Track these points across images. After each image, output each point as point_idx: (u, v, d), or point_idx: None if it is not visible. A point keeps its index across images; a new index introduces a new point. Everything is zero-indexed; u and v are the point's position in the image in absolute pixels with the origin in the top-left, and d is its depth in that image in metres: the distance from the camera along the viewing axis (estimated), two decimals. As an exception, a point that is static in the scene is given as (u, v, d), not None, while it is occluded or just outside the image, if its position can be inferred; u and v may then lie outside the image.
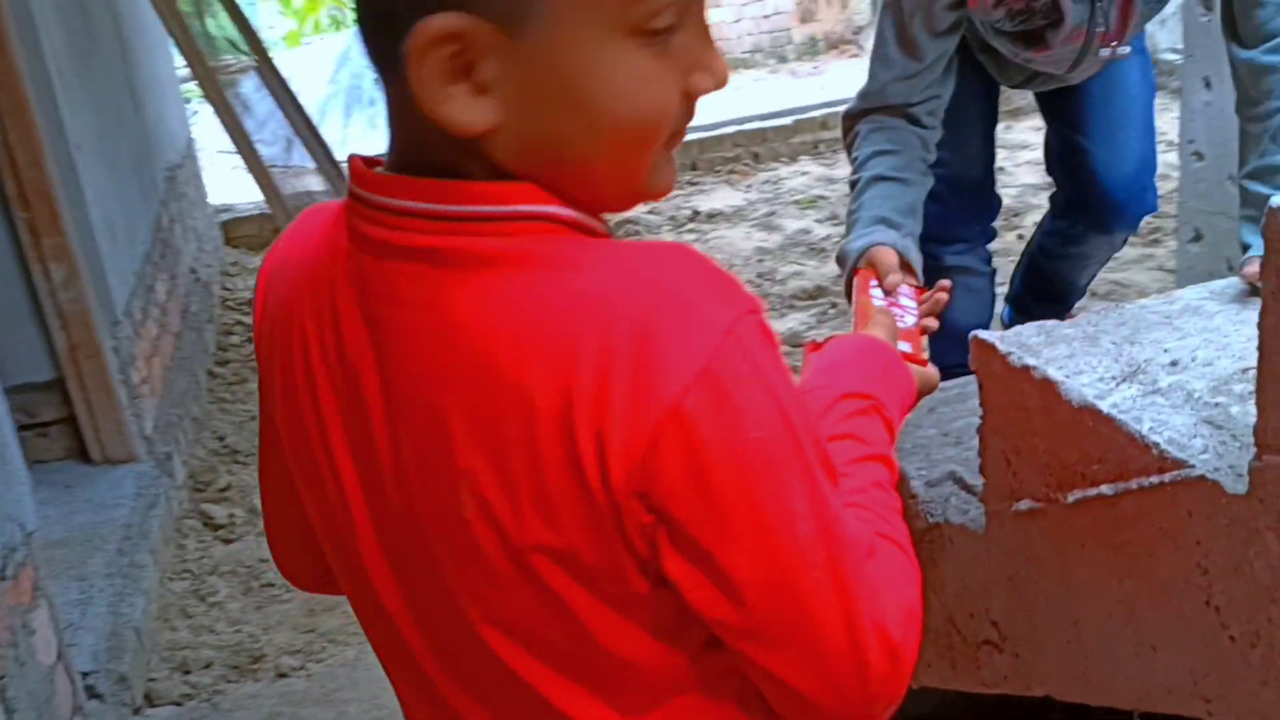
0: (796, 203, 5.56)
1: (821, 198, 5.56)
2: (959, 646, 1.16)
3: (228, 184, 6.01)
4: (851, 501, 0.79)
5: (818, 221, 5.25)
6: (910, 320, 1.38)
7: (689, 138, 4.45)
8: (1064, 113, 2.43)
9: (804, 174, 6.03)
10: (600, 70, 0.67)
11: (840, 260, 1.69)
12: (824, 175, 5.93)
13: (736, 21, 11.15)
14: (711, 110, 7.20)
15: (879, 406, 0.93)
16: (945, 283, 1.39)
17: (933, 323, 1.39)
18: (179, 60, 4.66)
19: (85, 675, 2.27)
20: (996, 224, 2.58)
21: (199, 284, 4.51)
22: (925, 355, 1.31)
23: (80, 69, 3.32)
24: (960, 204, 2.32)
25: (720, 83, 0.72)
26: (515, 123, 0.68)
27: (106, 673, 2.34)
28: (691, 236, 5.35)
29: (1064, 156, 2.49)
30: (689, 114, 0.73)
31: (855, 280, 1.54)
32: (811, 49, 11.20)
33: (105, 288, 3.10)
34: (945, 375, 2.78)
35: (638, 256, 0.70)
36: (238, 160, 4.63)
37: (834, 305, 4.32)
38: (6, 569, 1.88)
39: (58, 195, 2.93)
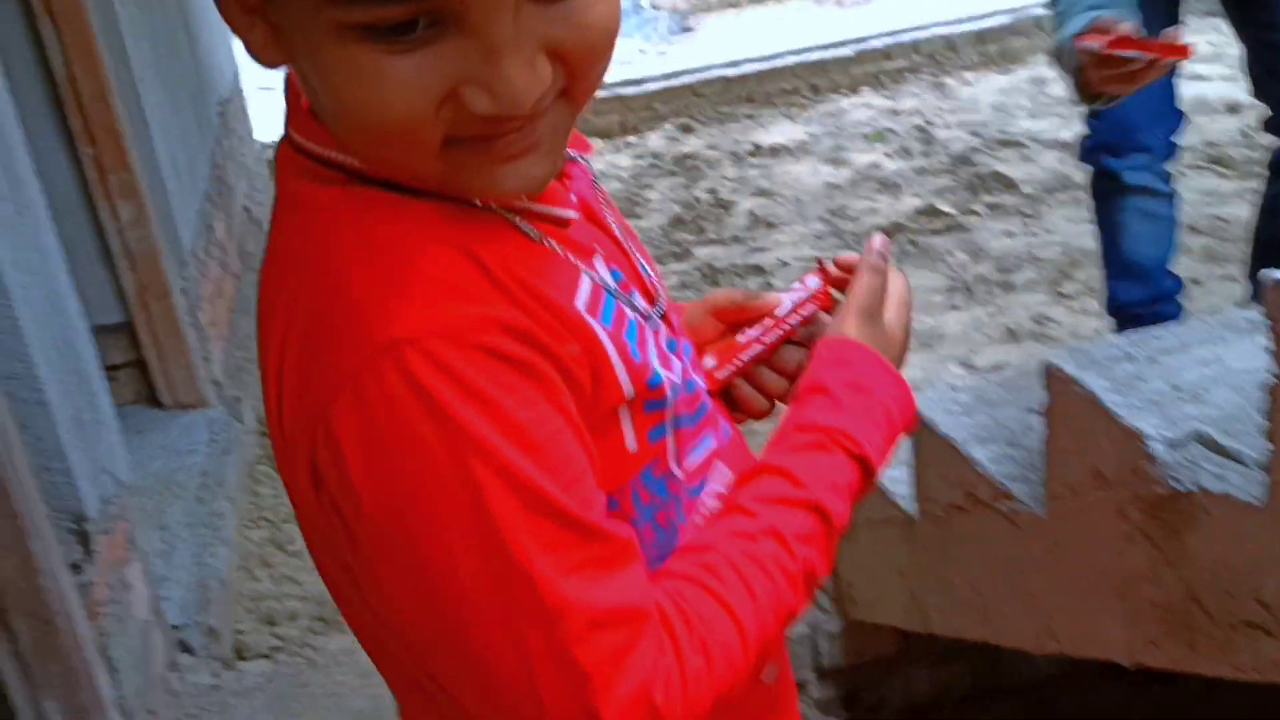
0: (863, 136, 5.37)
1: (889, 130, 5.37)
2: (1203, 626, 1.04)
3: (272, 119, 5.88)
4: (694, 549, 0.75)
5: (887, 155, 5.07)
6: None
7: (746, 69, 4.30)
8: (1259, 9, 2.12)
9: (867, 106, 5.83)
10: (330, 67, 0.61)
11: (1058, 54, 1.53)
12: (888, 108, 5.74)
13: (780, -50, 10.86)
14: (768, 41, 6.99)
15: (840, 438, 0.79)
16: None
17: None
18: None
19: (175, 629, 2.19)
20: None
21: (252, 222, 4.40)
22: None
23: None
24: (1143, 103, 1.96)
25: (502, 105, 0.61)
26: (302, 72, 0.66)
27: (196, 626, 2.26)
28: (755, 171, 5.19)
29: (1271, 65, 2.15)
30: (480, 123, 0.63)
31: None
32: (859, -22, 10.90)
33: (172, 227, 2.99)
34: (1126, 317, 2.58)
35: (359, 234, 0.66)
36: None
37: (913, 244, 4.17)
38: (103, 523, 1.79)
39: (124, 130, 2.81)
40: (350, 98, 0.62)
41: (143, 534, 2.40)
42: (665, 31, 10.30)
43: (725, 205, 4.83)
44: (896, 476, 1.81)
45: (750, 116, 5.98)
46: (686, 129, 5.94)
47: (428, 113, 0.61)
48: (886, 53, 6.22)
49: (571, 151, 0.78)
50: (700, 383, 0.83)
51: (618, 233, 0.81)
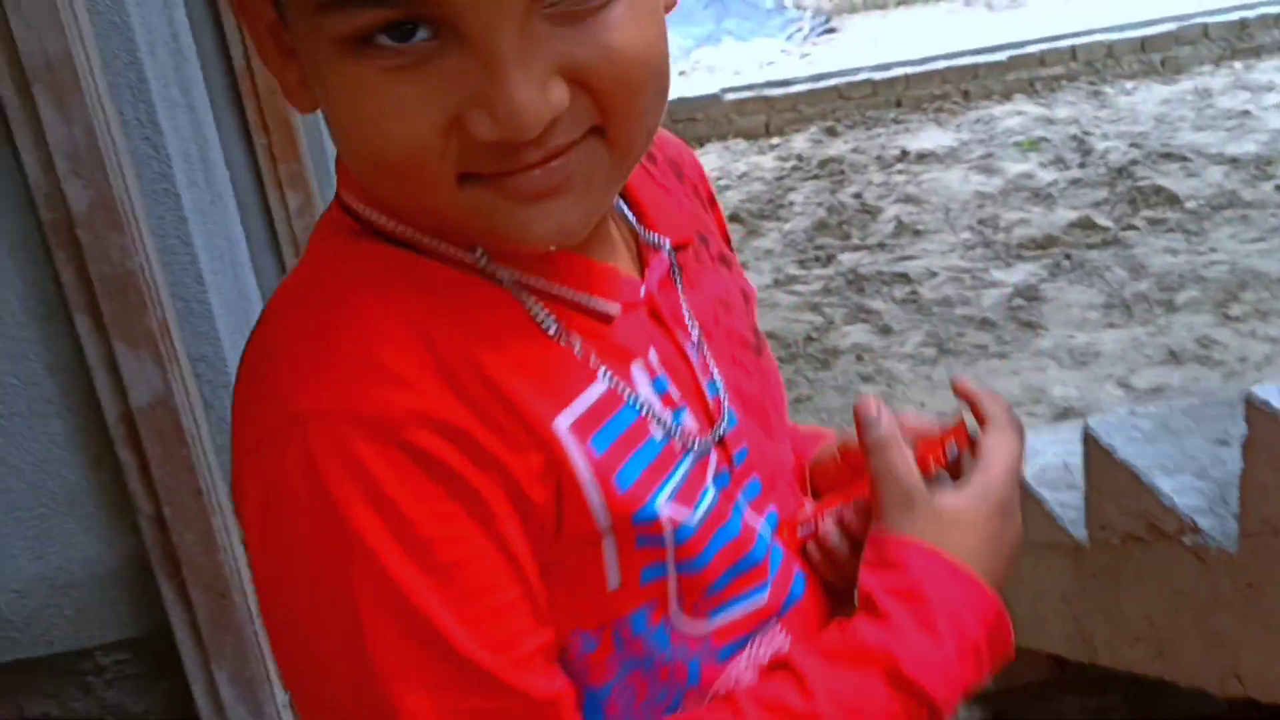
0: (1016, 144, 5.25)
1: (1043, 139, 5.23)
2: None
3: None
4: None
5: (1041, 165, 4.94)
6: None
7: (895, 73, 4.23)
8: None
9: (1020, 114, 5.70)
10: (334, 89, 0.55)
11: None
12: (1042, 115, 5.60)
13: (930, -49, 10.68)
14: (917, 44, 6.87)
15: (887, 660, 0.64)
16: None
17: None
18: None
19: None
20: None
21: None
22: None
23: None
24: None
25: (504, 128, 0.53)
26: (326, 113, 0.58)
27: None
28: (902, 177, 5.11)
29: None
30: (491, 153, 0.55)
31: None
32: (1010, -20, 10.66)
33: (337, 216, 3.09)
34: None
35: (323, 289, 0.60)
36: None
37: (1067, 257, 4.06)
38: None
39: (296, 123, 2.90)
40: (352, 124, 0.56)
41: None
42: (809, 31, 10.23)
43: (871, 211, 4.77)
44: (1065, 500, 1.76)
45: (898, 121, 5.90)
46: (832, 132, 5.89)
47: (433, 140, 0.54)
48: (1041, 59, 6.07)
49: (655, 237, 0.70)
50: (763, 532, 0.69)
51: (690, 338, 0.70)
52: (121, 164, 1.54)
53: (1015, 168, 4.97)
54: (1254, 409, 1.22)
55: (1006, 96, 5.99)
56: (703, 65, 8.96)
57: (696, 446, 0.66)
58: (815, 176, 5.31)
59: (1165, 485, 1.45)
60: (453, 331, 0.58)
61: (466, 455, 0.55)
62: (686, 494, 0.64)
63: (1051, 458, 1.92)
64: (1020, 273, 3.97)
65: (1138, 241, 4.12)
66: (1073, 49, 6.17)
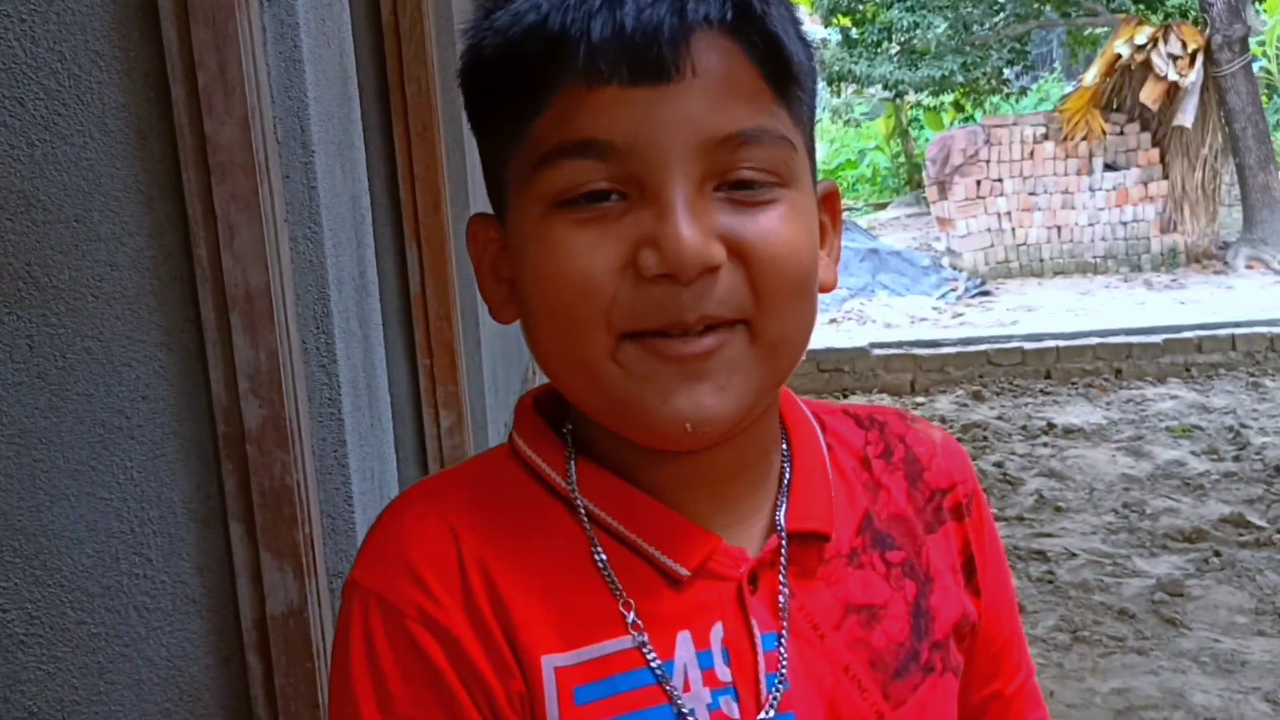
0: (1167, 429, 5.14)
1: (1197, 427, 5.12)
2: None
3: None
4: None
5: (1193, 453, 4.82)
6: None
7: (1046, 344, 4.24)
8: None
9: (1173, 398, 5.61)
10: (530, 242, 0.66)
11: None
12: (1197, 402, 5.49)
13: (1091, 225, 10.80)
14: (1071, 319, 6.88)
15: None
16: None
17: None
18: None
19: None
20: None
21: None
22: None
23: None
24: None
25: (673, 262, 0.61)
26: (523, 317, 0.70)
27: None
28: (1046, 451, 5.04)
29: None
30: (654, 302, 0.63)
31: None
32: (1171, 260, 10.68)
33: (484, 436, 3.21)
34: None
35: (419, 493, 0.73)
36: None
37: (1217, 554, 3.90)
38: None
39: (459, 347, 3.07)
40: (539, 271, 0.65)
41: None
42: (962, 292, 10.34)
43: (1012, 482, 4.70)
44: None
45: (1046, 393, 5.87)
46: (978, 396, 5.88)
47: (604, 278, 0.63)
48: (1199, 344, 6.01)
49: (782, 520, 0.72)
50: None
51: (772, 630, 0.69)
52: (296, 388, 1.66)
53: (1166, 453, 4.86)
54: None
55: (1160, 379, 5.92)
56: (854, 316, 9.12)
57: None
58: (958, 440, 5.28)
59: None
60: (498, 547, 0.66)
61: (453, 662, 0.64)
62: None
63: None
64: (1165, 565, 3.83)
65: (1294, 545, 3.94)
66: (1232, 338, 6.09)
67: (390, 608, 0.65)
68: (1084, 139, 10.85)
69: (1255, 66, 12.10)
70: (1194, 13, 11.34)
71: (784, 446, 0.75)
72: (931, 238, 11.62)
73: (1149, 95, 10.59)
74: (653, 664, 0.65)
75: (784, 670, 0.68)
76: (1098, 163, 10.94)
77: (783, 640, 0.69)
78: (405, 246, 2.95)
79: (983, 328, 7.03)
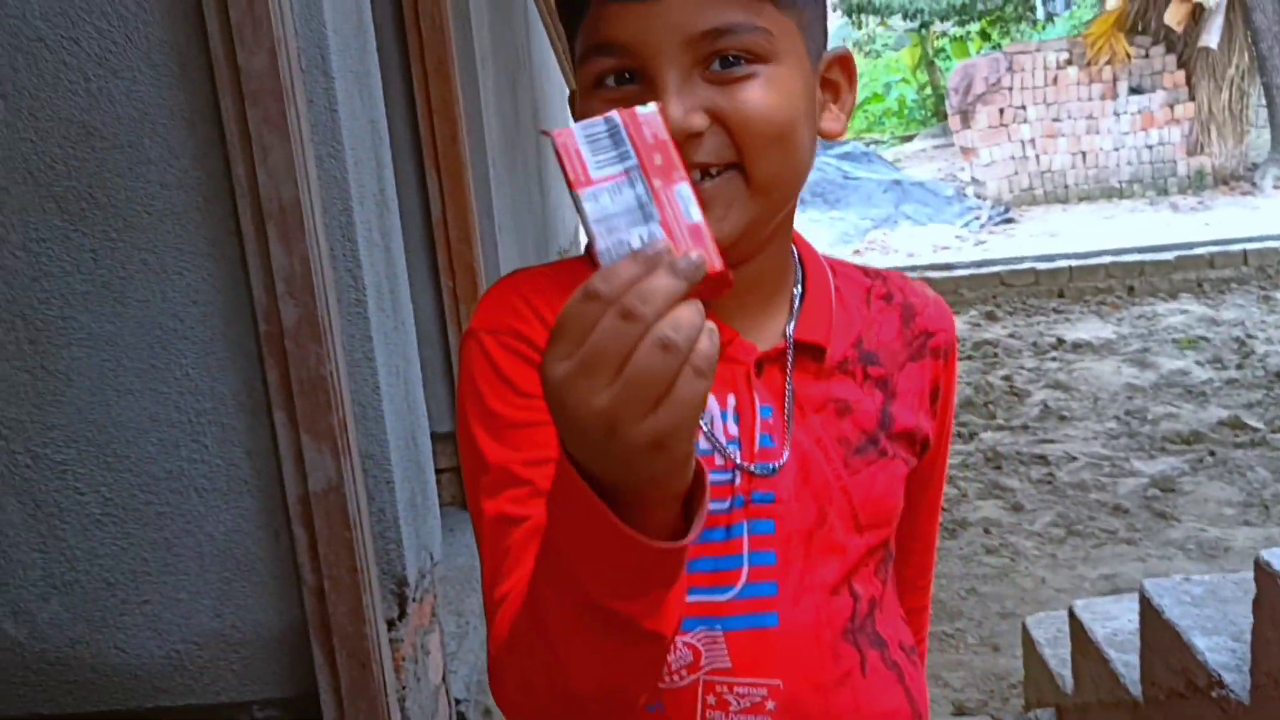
0: (1174, 341, 5.28)
1: (1203, 339, 5.26)
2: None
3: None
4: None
5: (1198, 363, 4.97)
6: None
7: (1059, 264, 4.42)
8: None
9: (1184, 312, 5.73)
10: (579, 113, 0.88)
11: None
12: (1207, 316, 5.62)
13: (1116, 150, 10.80)
14: (1084, 238, 6.99)
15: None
16: None
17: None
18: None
19: (457, 702, 2.49)
20: None
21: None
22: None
23: (508, 159, 3.73)
24: None
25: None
26: None
27: (475, 703, 2.55)
28: (1054, 364, 5.20)
29: None
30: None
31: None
32: (1199, 182, 10.66)
33: (506, 355, 3.43)
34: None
35: (512, 281, 0.94)
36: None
37: (1211, 454, 4.07)
38: (417, 591, 2.12)
39: (479, 268, 3.28)
40: None
41: (443, 612, 2.75)
42: (986, 220, 10.41)
43: (1019, 394, 4.87)
44: (1129, 661, 1.87)
45: (1059, 311, 6.00)
46: (991, 316, 6.02)
47: None
48: (1210, 260, 6.11)
49: (790, 332, 0.93)
50: (747, 556, 0.90)
51: (771, 406, 0.91)
52: (326, 289, 1.88)
53: (1170, 364, 5.00)
54: (1261, 570, 1.36)
55: (1172, 295, 6.04)
56: (877, 246, 9.23)
57: (723, 471, 0.88)
58: (969, 357, 5.45)
59: (1201, 644, 1.57)
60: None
61: (538, 353, 0.83)
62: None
63: (1126, 623, 2.03)
64: (1161, 465, 4.01)
65: (1286, 444, 4.10)
66: (1244, 253, 6.19)
67: (494, 329, 0.88)
68: (1108, 63, 10.83)
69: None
70: (1219, -69, 11.22)
71: (799, 277, 0.96)
72: (956, 168, 11.66)
73: (1173, 17, 10.55)
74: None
75: (779, 437, 0.90)
76: (1122, 87, 10.92)
77: (784, 417, 0.90)
78: (425, 176, 3.16)
79: (1002, 253, 7.13)
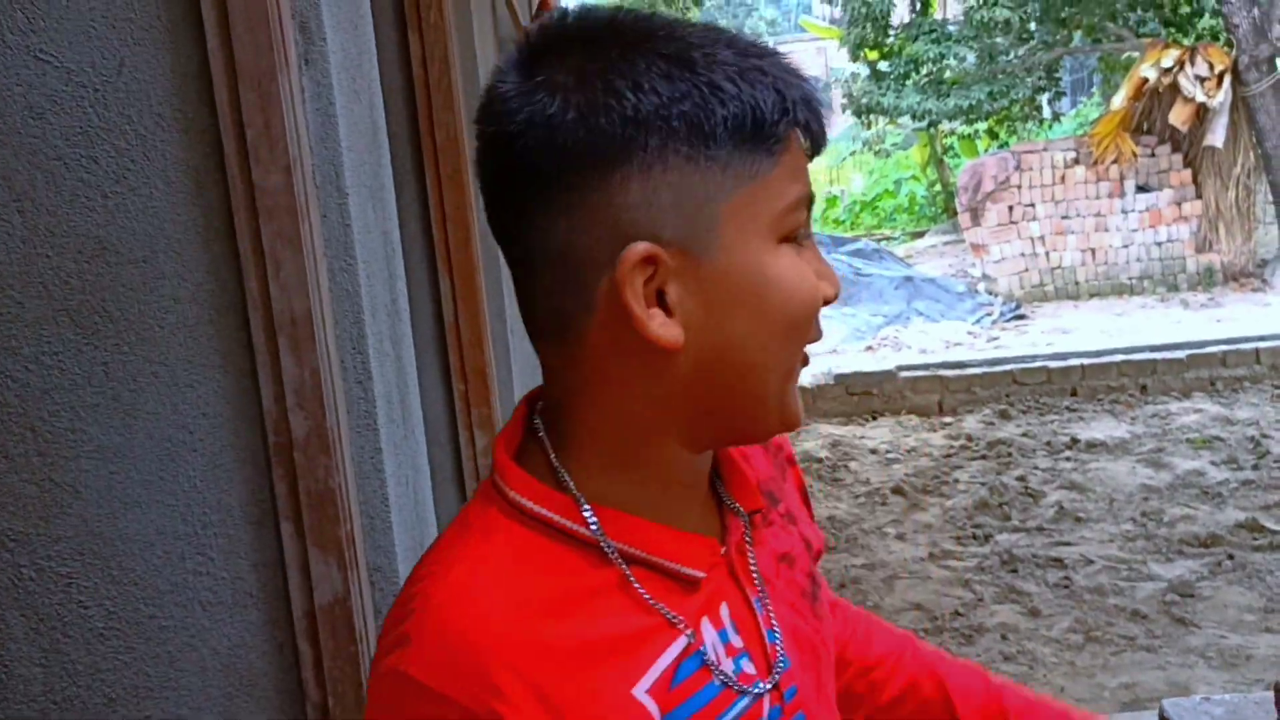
0: (1189, 441, 5.25)
1: (1217, 439, 5.22)
2: None
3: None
4: None
5: (1213, 464, 4.93)
6: None
7: (1071, 363, 4.43)
8: None
9: (1198, 411, 5.70)
10: (770, 272, 0.74)
11: None
12: (1221, 415, 5.59)
13: (1125, 247, 10.86)
14: (1098, 337, 6.98)
15: None
16: None
17: None
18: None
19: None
20: None
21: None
22: None
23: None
24: None
25: (838, 291, 0.78)
26: (694, 341, 0.74)
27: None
28: (1069, 465, 5.16)
29: None
30: (818, 319, 0.78)
31: None
32: (1208, 279, 10.69)
33: (516, 458, 3.42)
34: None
35: (458, 584, 0.73)
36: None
37: (1230, 557, 4.02)
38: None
39: (491, 373, 3.29)
40: (781, 286, 0.74)
41: None
42: (998, 317, 10.43)
43: (1034, 494, 4.83)
44: (1153, 783, 1.82)
45: (1072, 410, 5.98)
46: (1004, 415, 6.00)
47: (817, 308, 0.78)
48: (1223, 359, 6.10)
49: (735, 505, 0.85)
50: None
51: (757, 594, 0.83)
52: (336, 402, 1.89)
53: (1186, 464, 4.97)
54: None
55: (1185, 394, 6.02)
56: (889, 343, 9.25)
57: (754, 689, 0.78)
58: (982, 457, 5.42)
59: (1225, 770, 1.53)
60: (562, 622, 0.71)
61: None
62: None
63: (1148, 743, 1.98)
64: (1179, 568, 3.95)
65: (1307, 548, 4.05)
66: (1256, 351, 6.18)
67: (464, 710, 0.67)
68: (1114, 162, 10.95)
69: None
70: (1221, 34, 11.43)
71: None
72: (967, 264, 11.73)
73: (1178, 117, 10.68)
74: (700, 652, 0.76)
75: (775, 624, 0.82)
76: (1130, 185, 11.02)
77: (765, 600, 0.83)
78: (438, 280, 3.18)
79: (1015, 351, 7.13)
